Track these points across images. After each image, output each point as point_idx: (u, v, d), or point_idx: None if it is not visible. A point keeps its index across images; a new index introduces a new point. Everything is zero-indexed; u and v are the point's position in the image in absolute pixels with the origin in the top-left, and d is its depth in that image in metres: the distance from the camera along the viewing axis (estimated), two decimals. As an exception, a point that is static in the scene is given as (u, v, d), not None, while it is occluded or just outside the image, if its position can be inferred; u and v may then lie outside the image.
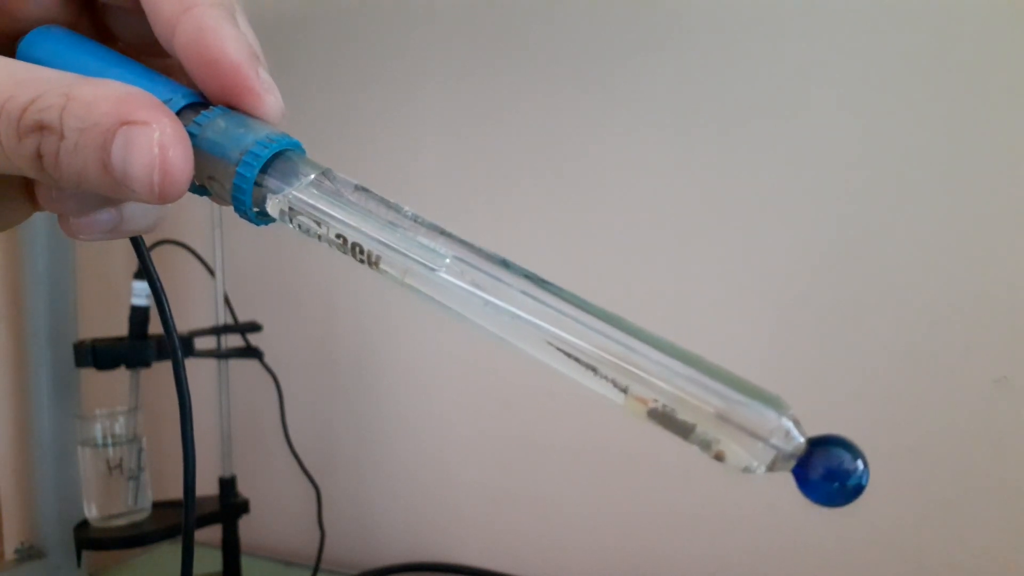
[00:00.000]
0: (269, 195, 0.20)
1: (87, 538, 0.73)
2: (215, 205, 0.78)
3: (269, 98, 0.21)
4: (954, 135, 0.64)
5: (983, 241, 0.64)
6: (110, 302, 0.95)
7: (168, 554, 0.94)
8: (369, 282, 0.90)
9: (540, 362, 0.19)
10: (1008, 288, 0.63)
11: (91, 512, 0.75)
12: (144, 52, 0.24)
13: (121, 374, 0.74)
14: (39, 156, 0.19)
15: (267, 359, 0.79)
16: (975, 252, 0.64)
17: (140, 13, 0.22)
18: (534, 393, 0.82)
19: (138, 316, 0.74)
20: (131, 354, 0.73)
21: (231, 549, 0.78)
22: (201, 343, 0.77)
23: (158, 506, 0.78)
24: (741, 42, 0.71)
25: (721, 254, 0.73)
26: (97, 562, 0.89)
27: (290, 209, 0.20)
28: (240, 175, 0.20)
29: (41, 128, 0.18)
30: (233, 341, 0.79)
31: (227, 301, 0.80)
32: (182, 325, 0.77)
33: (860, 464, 0.16)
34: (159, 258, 0.73)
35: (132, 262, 0.74)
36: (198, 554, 0.96)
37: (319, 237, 0.20)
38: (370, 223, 0.20)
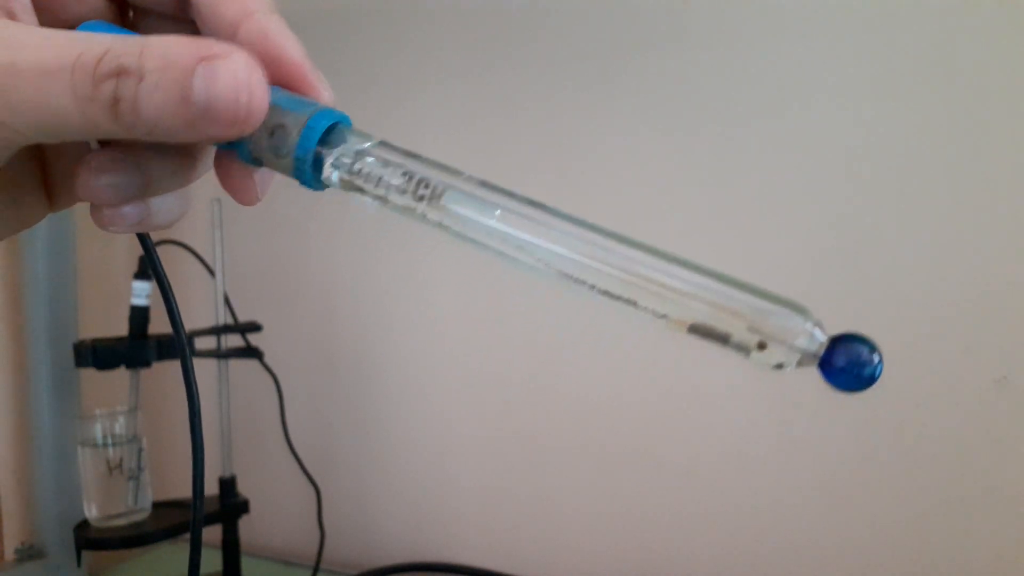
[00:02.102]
0: (336, 146, 0.22)
1: (87, 538, 0.73)
2: (216, 206, 0.78)
3: (325, 93, 0.24)
4: (955, 135, 0.64)
5: (983, 241, 0.64)
6: (110, 302, 0.95)
7: (168, 554, 0.94)
8: (369, 282, 0.90)
9: (583, 299, 0.20)
10: (1008, 288, 0.63)
11: (91, 512, 0.75)
12: None
13: (121, 374, 0.74)
14: (116, 101, 0.19)
15: (267, 359, 0.79)
16: (975, 252, 0.64)
17: (180, 20, 0.24)
18: (534, 393, 0.82)
19: (138, 316, 0.74)
20: (131, 354, 0.73)
21: (231, 549, 0.78)
22: (201, 343, 0.77)
23: (158, 506, 0.78)
24: (744, 42, 0.71)
25: (721, 253, 0.73)
26: (97, 562, 0.89)
27: (355, 153, 0.22)
28: (316, 118, 0.22)
29: (119, 73, 0.19)
30: (233, 341, 0.80)
31: (227, 301, 0.80)
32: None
33: (876, 356, 0.18)
34: (160, 258, 0.73)
35: (132, 263, 0.74)
36: (198, 554, 0.96)
37: (376, 182, 0.22)
38: (435, 169, 0.22)
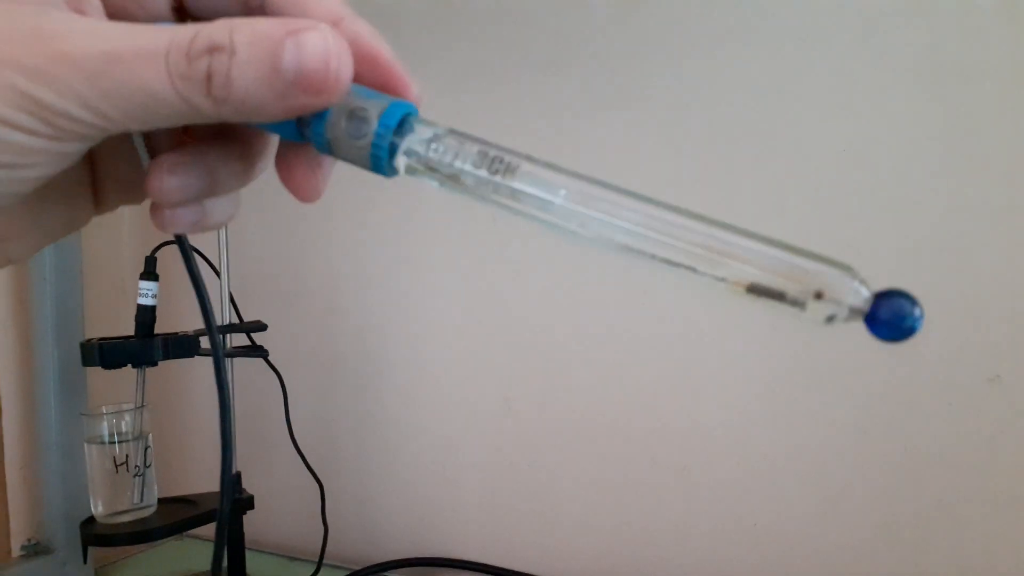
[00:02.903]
0: (407, 134, 0.23)
1: (93, 534, 0.74)
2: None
3: (416, 90, 0.25)
4: (948, 134, 0.65)
5: (976, 240, 0.64)
6: (117, 302, 0.96)
7: (173, 550, 0.95)
8: (373, 282, 0.91)
9: (648, 266, 0.22)
10: (1001, 287, 0.64)
11: (97, 509, 0.75)
12: None
13: (127, 372, 0.75)
14: (209, 77, 0.20)
15: (272, 358, 0.80)
16: (968, 252, 0.65)
17: None
18: (535, 391, 0.83)
19: (144, 315, 0.74)
20: (137, 353, 0.73)
21: (236, 544, 0.79)
22: (206, 342, 0.78)
23: (163, 502, 0.79)
24: (741, 42, 0.72)
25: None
26: (103, 558, 0.90)
27: (431, 138, 0.23)
28: (393, 105, 0.23)
29: (212, 50, 0.20)
30: (238, 340, 0.80)
31: (232, 300, 0.81)
32: (188, 324, 0.78)
33: (917, 310, 0.20)
34: (165, 259, 0.74)
35: (139, 262, 0.75)
36: (202, 549, 0.97)
37: (450, 164, 0.23)
38: (505, 151, 0.23)
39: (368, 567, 0.84)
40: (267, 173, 0.27)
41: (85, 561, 0.79)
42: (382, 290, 0.90)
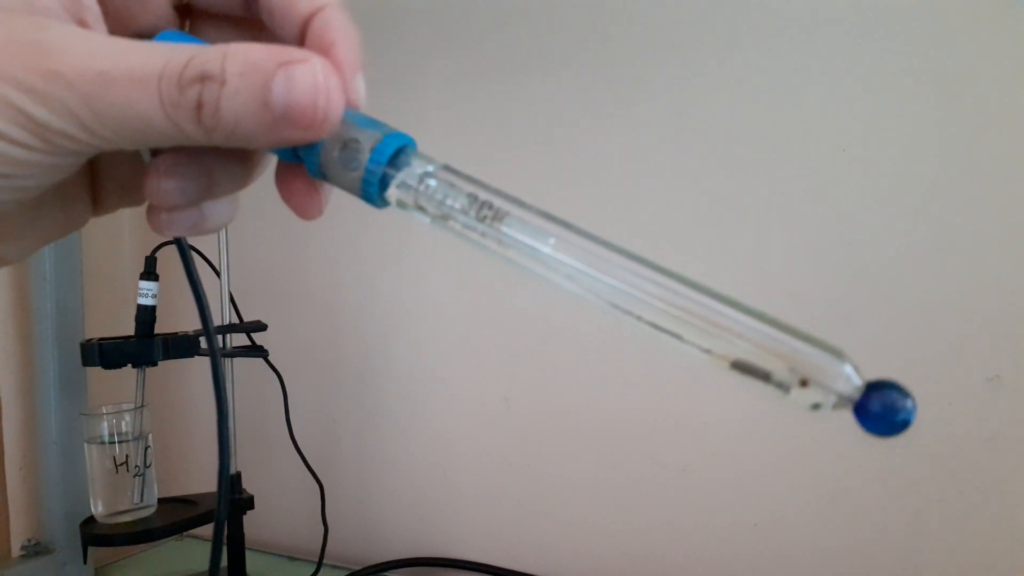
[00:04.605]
0: (402, 167, 0.23)
1: (93, 534, 0.74)
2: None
3: (358, 94, 0.24)
4: (948, 135, 0.65)
5: (976, 241, 0.64)
6: (117, 302, 0.96)
7: (173, 550, 0.95)
8: (373, 282, 0.91)
9: (632, 331, 0.21)
10: (1000, 287, 0.64)
11: (97, 508, 0.76)
12: None
13: (128, 372, 0.75)
14: (199, 106, 0.20)
15: (272, 358, 0.80)
16: (968, 252, 0.65)
17: (243, 25, 0.25)
18: (534, 391, 0.83)
19: (145, 315, 0.74)
20: (137, 353, 0.73)
21: (236, 544, 0.79)
22: (206, 342, 0.78)
23: (163, 502, 0.79)
24: (741, 43, 0.72)
25: (716, 252, 0.73)
26: (103, 558, 0.90)
27: (422, 175, 0.23)
28: (388, 138, 0.22)
29: (203, 79, 0.20)
30: (238, 340, 0.80)
31: (232, 301, 0.81)
32: (188, 324, 0.78)
33: (909, 403, 0.19)
34: (165, 259, 0.74)
35: (139, 262, 0.75)
36: (202, 549, 0.98)
37: (439, 203, 0.23)
38: (497, 195, 0.23)
39: (368, 567, 0.84)
40: (268, 174, 0.27)
41: (85, 561, 0.79)
42: (382, 290, 0.90)
